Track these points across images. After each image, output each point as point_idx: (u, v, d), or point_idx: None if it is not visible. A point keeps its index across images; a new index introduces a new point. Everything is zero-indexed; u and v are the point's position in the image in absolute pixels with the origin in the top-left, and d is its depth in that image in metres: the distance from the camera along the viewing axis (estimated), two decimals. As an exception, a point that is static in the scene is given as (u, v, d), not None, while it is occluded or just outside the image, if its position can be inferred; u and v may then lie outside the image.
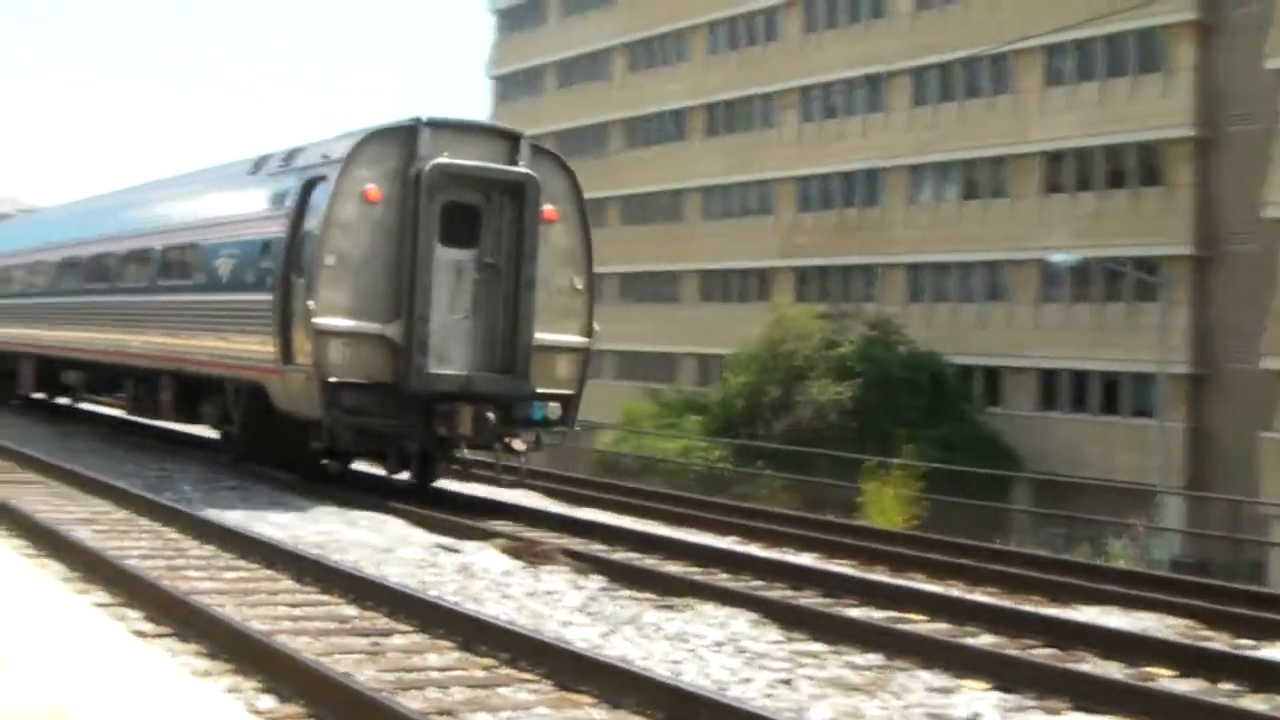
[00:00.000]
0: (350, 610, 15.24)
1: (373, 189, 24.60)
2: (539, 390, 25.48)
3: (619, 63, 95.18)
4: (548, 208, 25.64)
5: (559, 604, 16.15)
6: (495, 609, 15.49)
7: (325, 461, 27.16)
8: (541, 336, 25.45)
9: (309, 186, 25.39)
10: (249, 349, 26.21)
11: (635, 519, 25.14)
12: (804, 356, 67.07)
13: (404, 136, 24.93)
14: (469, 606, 15.10)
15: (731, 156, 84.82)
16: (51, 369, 38.72)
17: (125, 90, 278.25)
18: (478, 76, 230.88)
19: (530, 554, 19.38)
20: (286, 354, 24.91)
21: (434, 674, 12.58)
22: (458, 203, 24.97)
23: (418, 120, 25.02)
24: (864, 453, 46.91)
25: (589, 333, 26.42)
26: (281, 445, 27.01)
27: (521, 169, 25.29)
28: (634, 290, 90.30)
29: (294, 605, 15.44)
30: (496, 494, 26.85)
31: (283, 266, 25.30)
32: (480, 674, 12.64)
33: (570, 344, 26.13)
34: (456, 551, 19.51)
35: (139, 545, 19.07)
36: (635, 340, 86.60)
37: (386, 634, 14.09)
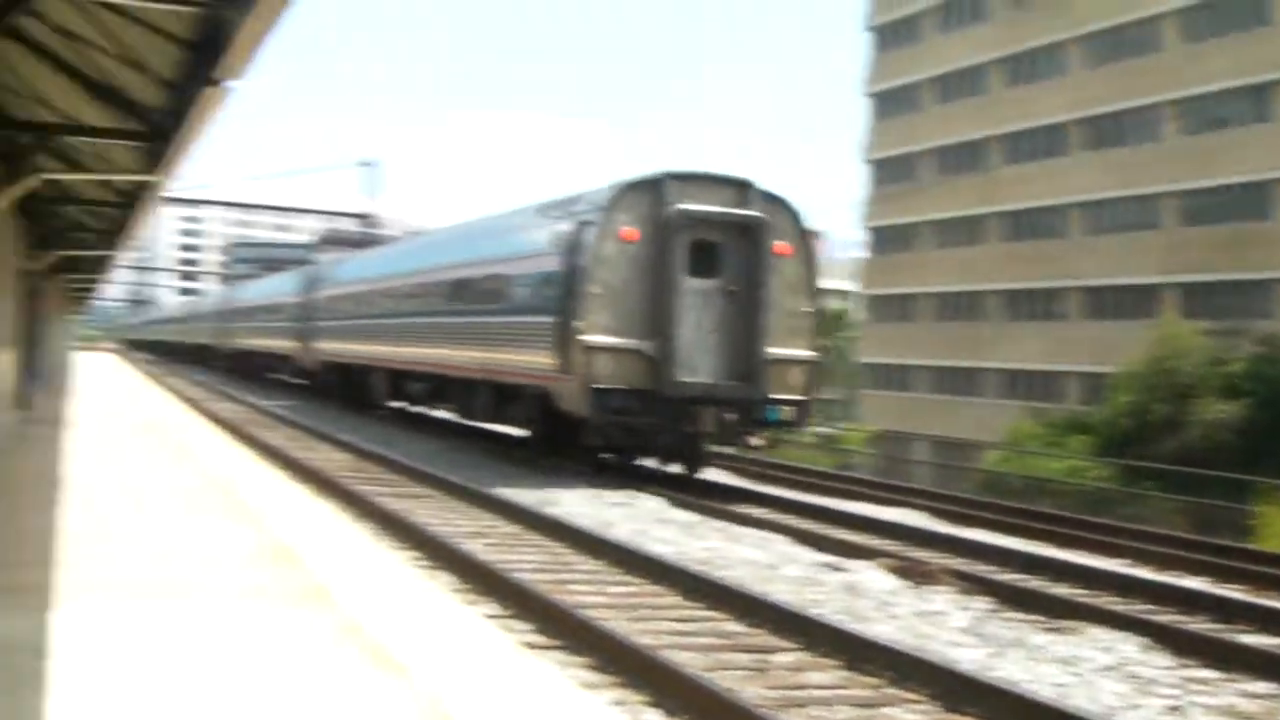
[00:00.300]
0: (735, 626, 15.21)
1: (629, 230, 29.95)
2: (773, 396, 30.28)
3: (996, 77, 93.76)
4: (779, 243, 30.59)
5: (945, 624, 15.88)
6: (880, 628, 15.30)
7: (604, 456, 31.79)
8: (774, 351, 30.33)
9: (580, 228, 30.62)
10: (538, 361, 31.25)
11: (1021, 539, 24.67)
12: (1191, 375, 65.00)
13: (653, 187, 30.23)
14: (854, 625, 14.94)
15: (1112, 171, 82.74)
16: (397, 381, 45.20)
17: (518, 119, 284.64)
18: (852, 95, 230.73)
19: (916, 574, 19.12)
20: (565, 365, 30.00)
21: (818, 692, 12.46)
22: (701, 240, 30.13)
23: (664, 174, 30.36)
24: (1256, 474, 45.20)
25: (815, 347, 31.24)
26: (567, 441, 31.66)
27: (752, 211, 30.32)
28: (1016, 308, 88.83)
29: (680, 620, 15.49)
30: (879, 513, 26.71)
31: (560, 294, 30.56)
32: (865, 693, 12.47)
33: (799, 357, 30.82)
34: (842, 570, 19.34)
35: (528, 559, 19.38)
36: (1018, 359, 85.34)
37: (771, 651, 14.01)
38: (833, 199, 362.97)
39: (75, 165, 24.07)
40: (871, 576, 18.84)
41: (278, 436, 38.13)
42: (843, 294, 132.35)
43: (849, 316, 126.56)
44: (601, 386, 29.36)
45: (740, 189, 30.63)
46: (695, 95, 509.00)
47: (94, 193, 29.00)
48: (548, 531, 21.91)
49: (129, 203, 28.32)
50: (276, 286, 74.29)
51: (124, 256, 45.90)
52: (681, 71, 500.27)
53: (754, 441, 30.94)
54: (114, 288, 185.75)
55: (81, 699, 7.78)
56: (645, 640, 13.81)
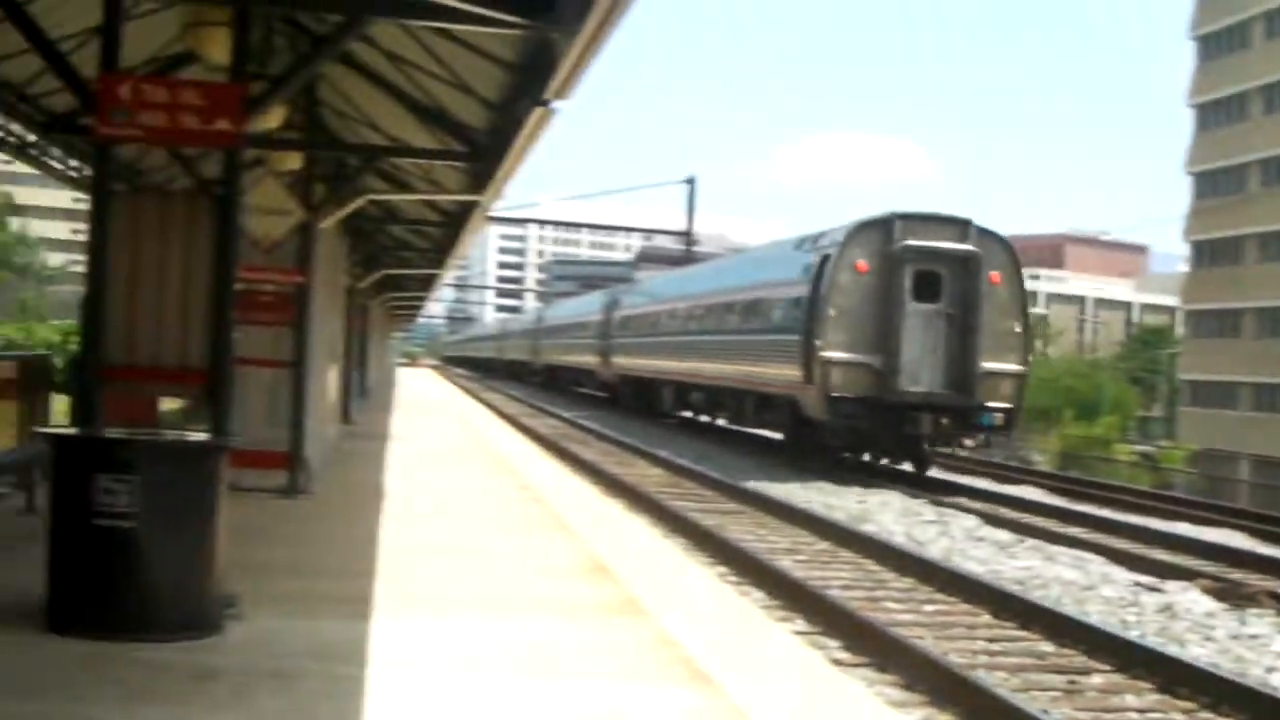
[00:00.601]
0: (1048, 647, 15.01)
1: (863, 263, 34.67)
2: (986, 404, 34.18)
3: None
4: (993, 273, 34.80)
5: (1265, 649, 15.47)
6: (1197, 651, 14.96)
7: (845, 455, 36.31)
8: (986, 365, 34.29)
9: (822, 261, 35.45)
10: (788, 374, 36.21)
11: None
12: None
13: (883, 226, 34.97)
14: (1170, 648, 14.62)
15: None
16: (680, 392, 51.01)
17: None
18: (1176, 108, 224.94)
19: (1236, 596, 18.61)
20: (808, 376, 34.76)
21: (1131, 715, 12.26)
22: (925, 270, 34.48)
23: (893, 214, 35.09)
24: None
25: (1025, 362, 35.29)
26: (811, 444, 36.42)
27: (969, 247, 34.51)
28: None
29: (991, 640, 15.35)
30: (1199, 533, 26.12)
31: (805, 316, 35.40)
32: (1179, 717, 12.22)
33: (1009, 370, 34.74)
34: (1158, 591, 18.91)
35: (839, 576, 19.35)
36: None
37: (1084, 672, 13.80)
38: (1154, 213, 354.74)
39: (401, 186, 24.82)
40: (1189, 598, 18.41)
41: (590, 451, 38.84)
42: (1165, 309, 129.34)
43: (1171, 333, 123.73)
44: (837, 395, 33.97)
45: (960, 227, 35.00)
46: (1008, 111, 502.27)
47: (419, 212, 29.80)
48: (859, 548, 21.83)
49: (453, 222, 29.00)
50: (582, 307, 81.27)
51: (446, 275, 47.00)
52: (993, 89, 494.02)
53: (968, 443, 35.62)
54: (436, 305, 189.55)
55: (398, 707, 8.00)
56: (955, 659, 13.70)
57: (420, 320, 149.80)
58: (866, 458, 36.63)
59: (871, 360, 34.11)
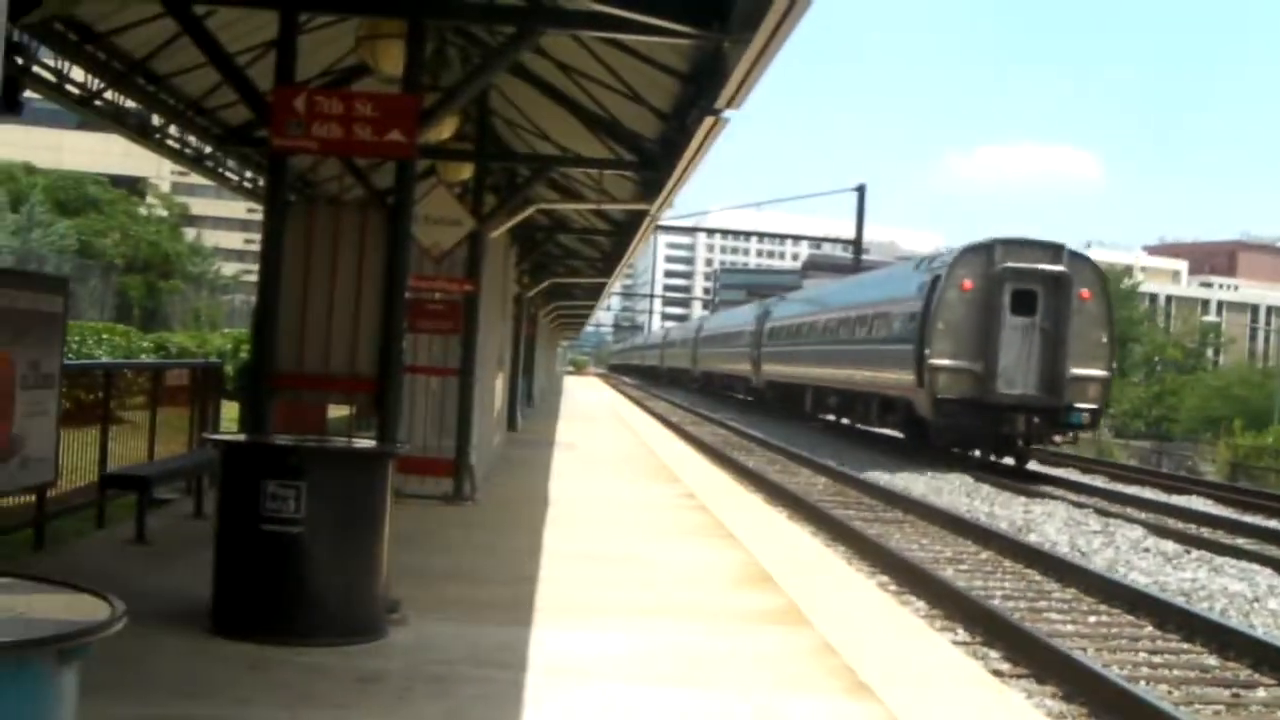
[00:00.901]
0: (1212, 660, 14.75)
1: (967, 282, 38.97)
2: (1075, 405, 38.28)
3: None
4: (1084, 290, 38.99)
5: None
6: (1367, 667, 14.59)
7: (955, 450, 40.16)
8: (1075, 371, 38.30)
9: (934, 280, 40.13)
10: (904, 378, 40.86)
11: None
12: None
13: (986, 249, 39.47)
14: (1338, 663, 14.31)
15: None
16: (818, 396, 56.06)
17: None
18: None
19: (1407, 611, 18.19)
20: (920, 380, 39.37)
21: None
22: (1021, 289, 38.76)
23: (995, 240, 39.87)
24: None
25: (1110, 369, 39.65)
26: (921, 441, 41.46)
27: (1060, 268, 38.84)
28: None
29: (1154, 652, 15.12)
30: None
31: (919, 328, 39.81)
32: (1347, 734, 11.94)
33: (1096, 376, 38.77)
34: (1327, 605, 18.52)
35: (1001, 586, 19.16)
36: None
37: (1250, 686, 13.57)
38: None
39: (571, 195, 24.86)
40: (1360, 613, 17.98)
41: (753, 459, 39.13)
42: None
43: None
44: (941, 396, 38.41)
45: (1054, 250, 39.60)
46: (1179, 116, 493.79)
47: (588, 222, 29.88)
48: (1022, 558, 21.60)
49: (621, 231, 29.06)
50: (737, 317, 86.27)
51: (614, 283, 47.07)
52: (1165, 95, 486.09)
53: (1057, 439, 40.53)
54: (603, 313, 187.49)
55: (556, 716, 8.04)
56: (1117, 671, 13.51)
57: (587, 329, 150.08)
58: (976, 453, 40.35)
59: (973, 366, 38.49)
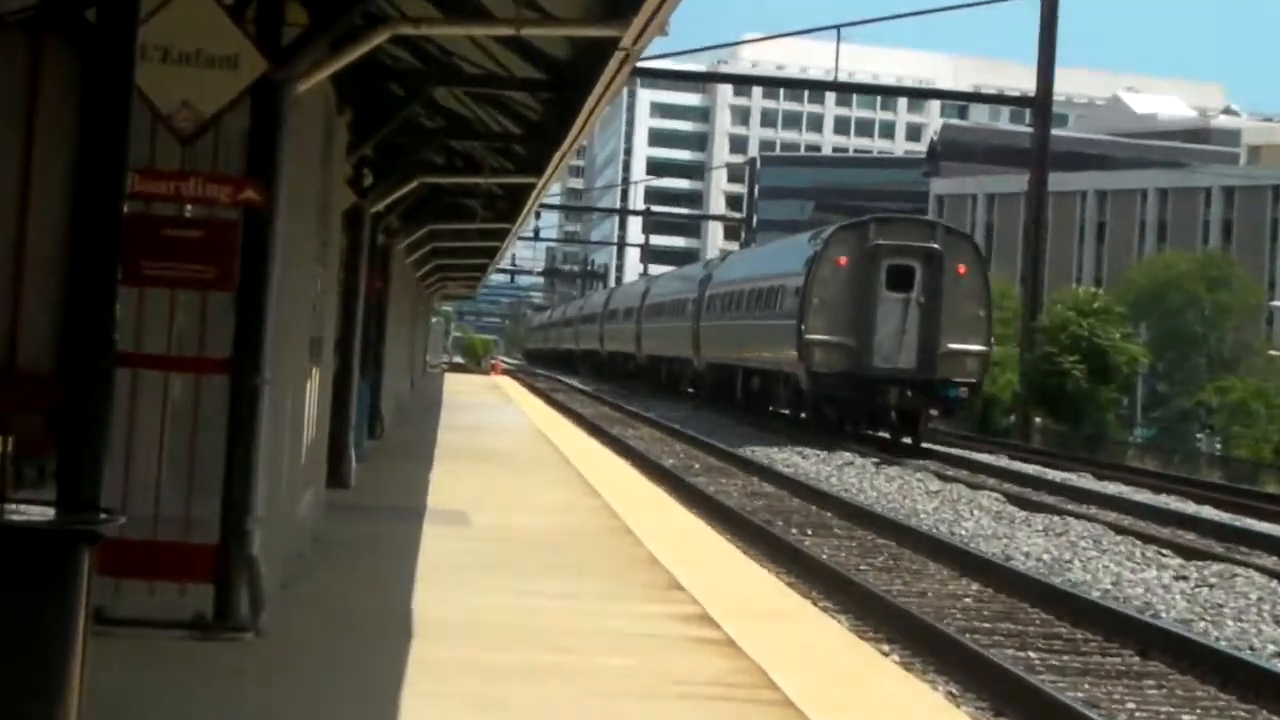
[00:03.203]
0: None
1: (842, 259, 40.36)
2: (952, 379, 39.18)
3: None
4: (960, 265, 39.93)
5: None
6: None
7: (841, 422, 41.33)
8: (951, 345, 39.22)
9: (812, 257, 41.26)
10: (788, 354, 41.93)
11: None
12: None
13: (861, 227, 41.16)
14: None
15: None
16: (746, 381, 51.94)
17: None
18: None
19: None
20: (800, 355, 40.51)
21: None
22: (897, 265, 39.76)
23: (870, 218, 42.57)
24: None
25: (987, 343, 40.71)
26: (809, 414, 42.97)
27: (934, 244, 40.03)
28: None
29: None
30: None
31: (799, 304, 41.00)
32: None
33: (972, 350, 39.71)
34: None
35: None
36: None
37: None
38: None
39: (461, 11, 13.49)
40: None
41: (795, 528, 24.62)
42: None
43: None
44: (817, 371, 39.84)
45: (929, 228, 42.49)
46: None
47: (497, 64, 15.09)
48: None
49: (565, 81, 14.19)
50: (680, 280, 71.16)
51: (549, 183, 22.53)
52: None
53: (932, 412, 40.35)
54: (530, 248, 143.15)
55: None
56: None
57: (495, 280, 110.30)
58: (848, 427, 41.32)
59: (846, 340, 39.75)
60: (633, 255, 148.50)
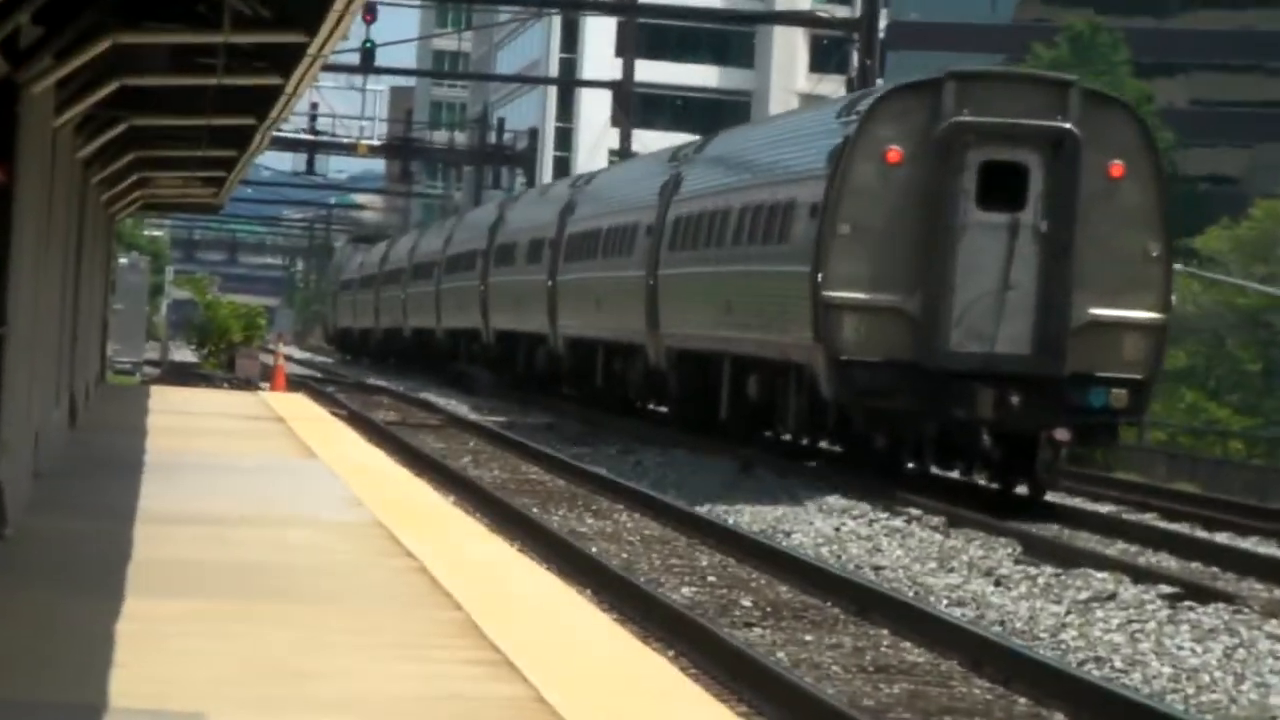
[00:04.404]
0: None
1: (894, 150, 23.01)
2: (1096, 374, 22.72)
3: None
4: (1114, 162, 23.09)
5: None
6: None
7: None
8: (1097, 311, 22.85)
9: (840, 147, 23.67)
10: (796, 332, 24.99)
11: None
12: None
13: (930, 89, 23.42)
14: None
15: None
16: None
17: None
18: None
19: None
20: (817, 331, 23.55)
21: None
22: (996, 161, 22.94)
23: (948, 74, 23.63)
24: None
25: (1165, 308, 23.40)
26: (835, 437, 26.35)
27: (1063, 122, 22.77)
28: None
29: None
30: None
31: (815, 235, 23.86)
32: None
33: (1138, 320, 22.98)
34: None
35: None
36: None
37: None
38: None
39: None
40: None
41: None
42: None
43: None
44: (848, 358, 22.78)
45: (1056, 90, 23.56)
46: None
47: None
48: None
49: None
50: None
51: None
52: None
53: (1059, 435, 22.31)
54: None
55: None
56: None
57: (289, 199, 73.95)
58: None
59: (905, 303, 22.91)
60: (597, 112, 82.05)
